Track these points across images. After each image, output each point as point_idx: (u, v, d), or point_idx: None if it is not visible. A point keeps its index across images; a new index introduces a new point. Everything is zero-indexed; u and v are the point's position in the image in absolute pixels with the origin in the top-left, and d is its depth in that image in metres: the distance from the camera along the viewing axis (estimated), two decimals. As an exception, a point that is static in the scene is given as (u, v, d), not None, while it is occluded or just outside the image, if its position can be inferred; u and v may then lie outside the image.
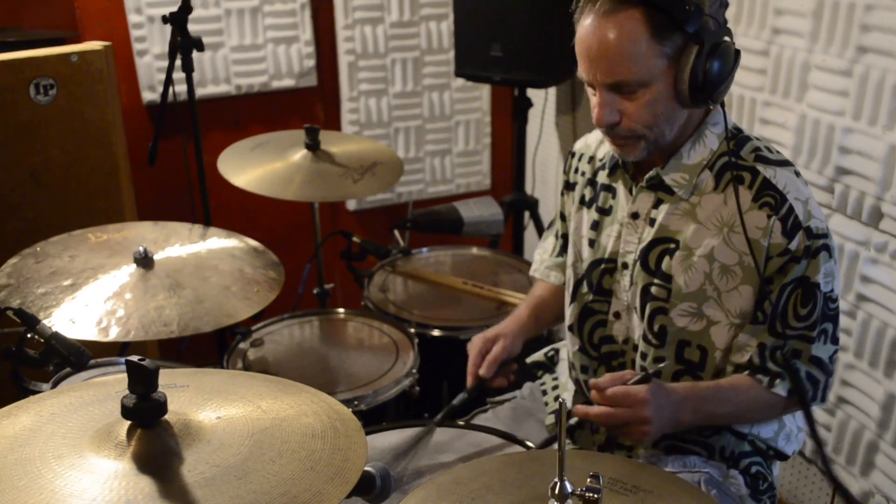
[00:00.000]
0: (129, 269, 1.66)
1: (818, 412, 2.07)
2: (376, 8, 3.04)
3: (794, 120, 2.02)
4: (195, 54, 2.10)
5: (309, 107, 3.13)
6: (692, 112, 1.40)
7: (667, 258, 1.44)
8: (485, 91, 3.32)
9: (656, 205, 1.46)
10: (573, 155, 1.69)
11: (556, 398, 1.75)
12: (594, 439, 1.61)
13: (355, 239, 2.36)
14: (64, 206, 2.24)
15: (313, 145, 2.22)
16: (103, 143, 2.27)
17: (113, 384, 1.10)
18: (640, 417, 1.33)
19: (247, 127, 2.97)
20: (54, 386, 1.61)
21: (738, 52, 1.35)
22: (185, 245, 1.80)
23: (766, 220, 1.35)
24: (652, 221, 1.46)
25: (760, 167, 1.38)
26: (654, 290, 1.46)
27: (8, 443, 0.95)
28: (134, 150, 2.52)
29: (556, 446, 0.97)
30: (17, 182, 2.19)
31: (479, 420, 1.73)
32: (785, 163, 1.40)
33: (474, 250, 2.60)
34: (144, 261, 1.66)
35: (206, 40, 2.09)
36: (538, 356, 1.88)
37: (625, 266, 1.51)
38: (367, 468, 1.08)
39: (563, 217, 1.75)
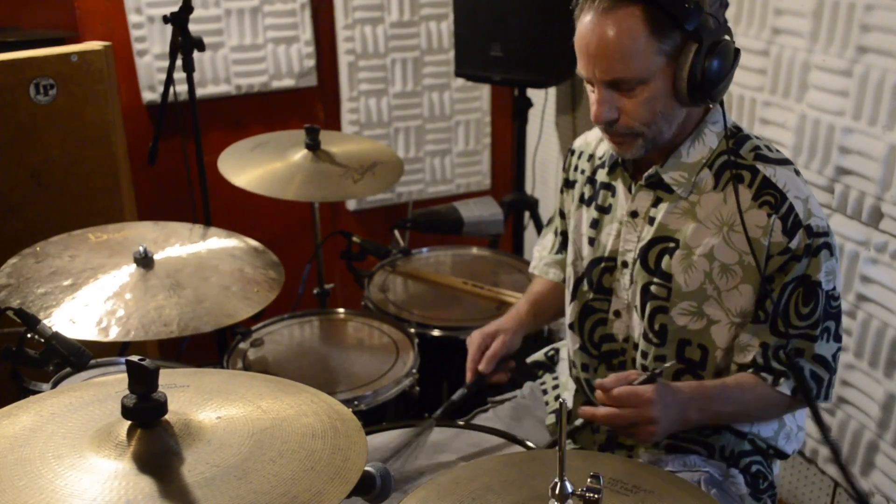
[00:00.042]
0: (129, 269, 1.66)
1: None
2: (376, 8, 3.04)
3: (794, 120, 2.02)
4: (195, 54, 2.10)
5: (309, 107, 3.13)
6: (691, 110, 1.40)
7: (666, 257, 1.44)
8: (485, 91, 3.32)
9: (655, 203, 1.46)
10: (573, 152, 1.69)
11: (557, 398, 1.75)
12: (594, 439, 1.61)
13: (355, 239, 2.36)
14: (64, 206, 2.24)
15: (313, 145, 2.22)
16: (103, 143, 2.27)
17: (113, 384, 1.10)
18: (647, 417, 1.33)
19: (247, 127, 2.97)
20: (54, 386, 1.61)
21: (737, 52, 1.35)
22: (185, 245, 1.80)
23: (766, 219, 1.35)
24: (651, 220, 1.46)
25: (760, 166, 1.38)
26: (653, 288, 1.46)
27: (8, 443, 0.95)
28: (134, 150, 2.52)
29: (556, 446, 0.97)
30: (17, 182, 2.19)
31: (480, 419, 1.73)
32: (784, 161, 1.40)
33: (474, 250, 2.60)
34: (144, 261, 1.66)
35: (206, 40, 2.09)
36: (538, 356, 1.88)
37: (624, 265, 1.52)
38: (367, 468, 1.08)
39: (562, 214, 1.76)
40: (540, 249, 1.87)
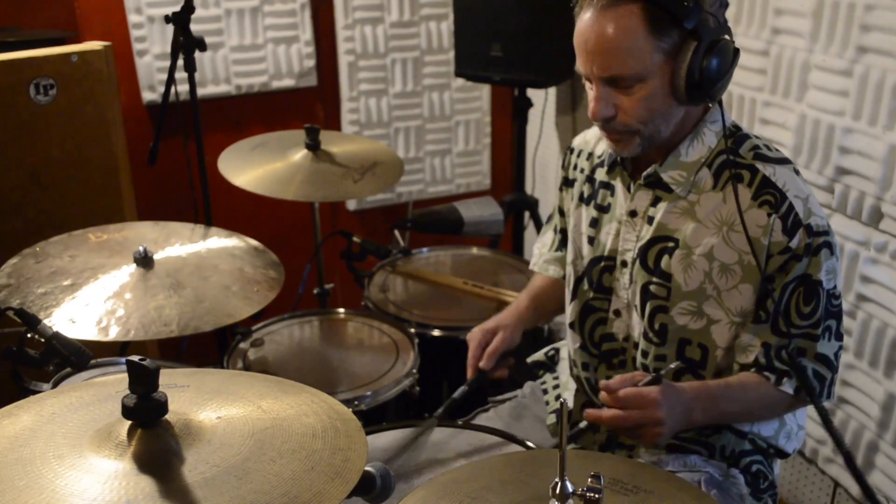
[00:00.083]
0: (129, 269, 1.66)
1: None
2: (376, 8, 3.05)
3: (794, 120, 2.02)
4: (196, 54, 2.09)
5: (309, 107, 3.13)
6: (690, 110, 1.40)
7: (666, 257, 1.44)
8: (485, 91, 3.32)
9: (654, 203, 1.46)
10: (572, 151, 1.69)
11: (558, 397, 1.75)
12: (595, 439, 1.61)
13: (355, 239, 2.36)
14: (64, 206, 2.24)
15: (313, 145, 2.22)
16: (103, 143, 2.27)
17: (113, 384, 1.10)
18: (654, 419, 1.32)
19: (247, 127, 2.97)
20: (55, 386, 1.61)
21: (736, 51, 1.35)
22: (185, 245, 1.80)
23: (766, 219, 1.35)
24: (650, 220, 1.46)
25: (759, 165, 1.38)
26: (653, 288, 1.46)
27: (8, 443, 0.95)
28: (134, 150, 2.52)
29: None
30: (17, 182, 2.19)
31: (480, 419, 1.73)
32: (784, 160, 1.40)
33: (474, 250, 2.60)
34: (144, 260, 1.66)
35: (206, 40, 2.09)
36: (539, 355, 1.88)
37: (624, 264, 1.52)
38: (367, 468, 1.08)
39: (561, 212, 1.76)
40: (540, 247, 1.87)
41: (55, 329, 1.44)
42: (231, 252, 1.82)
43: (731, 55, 1.34)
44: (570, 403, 1.67)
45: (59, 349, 1.42)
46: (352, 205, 3.30)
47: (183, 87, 2.11)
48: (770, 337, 1.40)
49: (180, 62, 2.07)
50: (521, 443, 1.54)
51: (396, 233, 2.56)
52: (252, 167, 2.18)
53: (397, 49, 3.12)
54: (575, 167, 1.66)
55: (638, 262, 1.48)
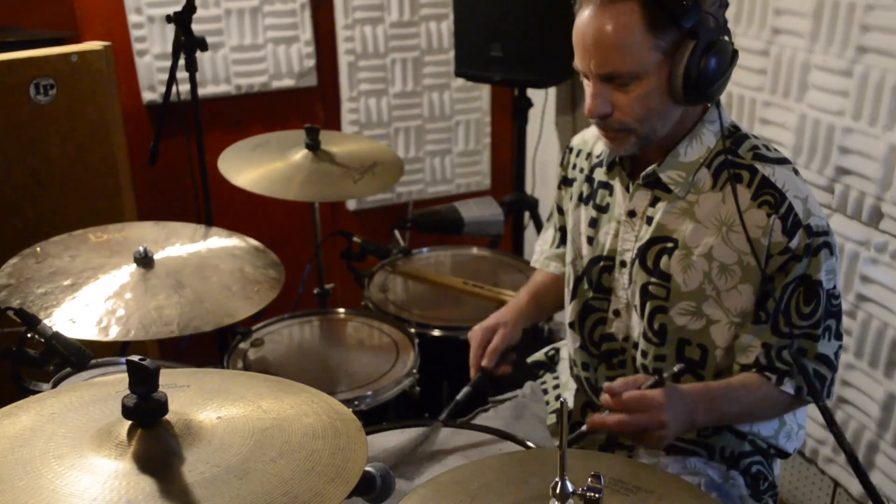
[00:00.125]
0: (130, 269, 1.66)
1: (819, 413, 2.07)
2: (376, 8, 3.04)
3: (794, 120, 2.02)
4: (196, 54, 2.10)
5: (309, 107, 3.13)
6: (688, 109, 1.40)
7: (665, 257, 1.44)
8: (485, 91, 3.32)
9: (653, 203, 1.46)
10: (570, 150, 1.69)
11: (558, 397, 1.75)
12: (595, 439, 1.61)
13: (355, 239, 2.36)
14: (64, 206, 2.24)
15: (313, 145, 2.22)
16: (103, 143, 2.27)
17: (113, 384, 1.10)
18: (658, 422, 1.32)
19: (247, 127, 2.97)
20: (55, 386, 1.61)
21: (735, 52, 1.35)
22: (185, 245, 1.80)
23: (765, 219, 1.35)
24: (649, 220, 1.46)
25: (759, 165, 1.38)
26: (652, 288, 1.46)
27: (8, 443, 0.95)
28: (134, 150, 2.52)
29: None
30: (17, 182, 2.19)
31: (481, 419, 1.73)
32: (783, 161, 1.40)
33: (474, 250, 2.60)
34: (145, 260, 1.66)
35: (206, 40, 2.09)
36: (539, 355, 1.88)
37: (623, 264, 1.52)
38: (367, 468, 1.08)
39: (560, 210, 1.76)
40: (541, 244, 1.87)
41: (55, 329, 1.44)
42: (231, 252, 1.82)
43: (730, 56, 1.34)
44: (571, 403, 1.67)
45: (59, 349, 1.42)
46: (352, 205, 3.30)
47: (183, 87, 2.11)
48: (770, 337, 1.40)
49: (181, 62, 2.07)
50: (522, 443, 1.54)
51: (396, 233, 2.56)
52: (252, 167, 2.18)
53: (397, 49, 3.12)
54: (574, 166, 1.66)
55: (637, 262, 1.48)
